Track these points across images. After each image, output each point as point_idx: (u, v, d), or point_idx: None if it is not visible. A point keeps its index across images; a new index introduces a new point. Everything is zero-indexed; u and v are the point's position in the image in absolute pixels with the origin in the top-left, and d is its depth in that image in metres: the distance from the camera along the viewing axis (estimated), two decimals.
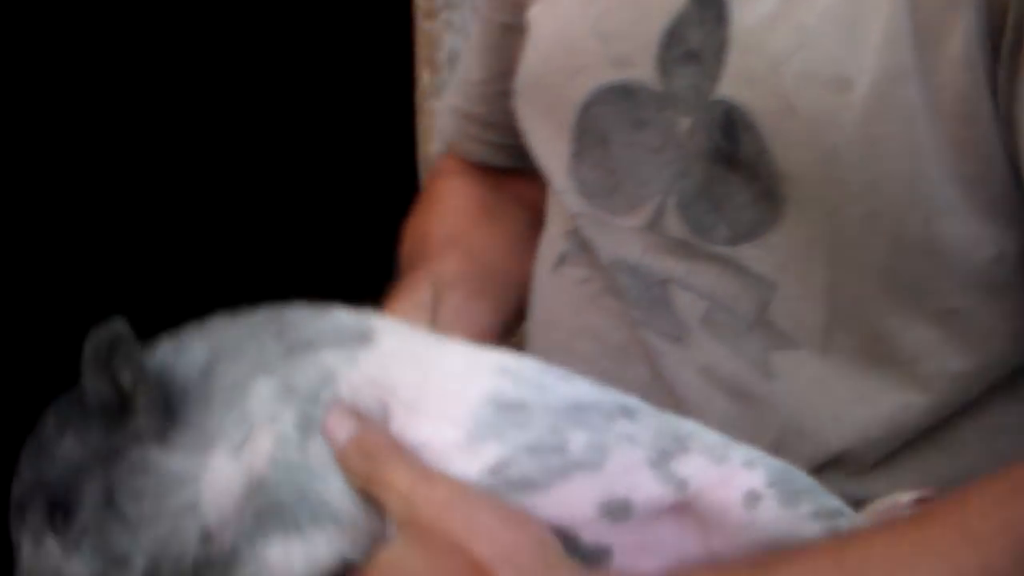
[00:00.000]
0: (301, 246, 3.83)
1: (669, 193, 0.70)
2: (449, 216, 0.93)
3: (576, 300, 0.76)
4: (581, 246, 0.76)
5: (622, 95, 0.72)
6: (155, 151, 4.17)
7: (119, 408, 0.60)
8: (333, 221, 3.68)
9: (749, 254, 0.67)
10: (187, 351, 0.62)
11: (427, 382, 0.62)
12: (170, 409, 0.61)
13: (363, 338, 0.63)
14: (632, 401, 0.62)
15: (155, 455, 0.60)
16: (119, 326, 0.58)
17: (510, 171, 0.93)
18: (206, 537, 0.59)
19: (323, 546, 0.57)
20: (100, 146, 3.75)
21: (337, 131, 3.65)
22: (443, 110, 1.01)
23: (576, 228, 0.76)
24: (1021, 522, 0.54)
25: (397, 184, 1.74)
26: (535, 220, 0.85)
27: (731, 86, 0.67)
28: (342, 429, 0.59)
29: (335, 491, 0.58)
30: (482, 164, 0.95)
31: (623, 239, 0.72)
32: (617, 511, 0.58)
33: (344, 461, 0.59)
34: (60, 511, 0.60)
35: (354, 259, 3.02)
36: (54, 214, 3.64)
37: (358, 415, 0.60)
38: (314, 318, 0.64)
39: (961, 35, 0.61)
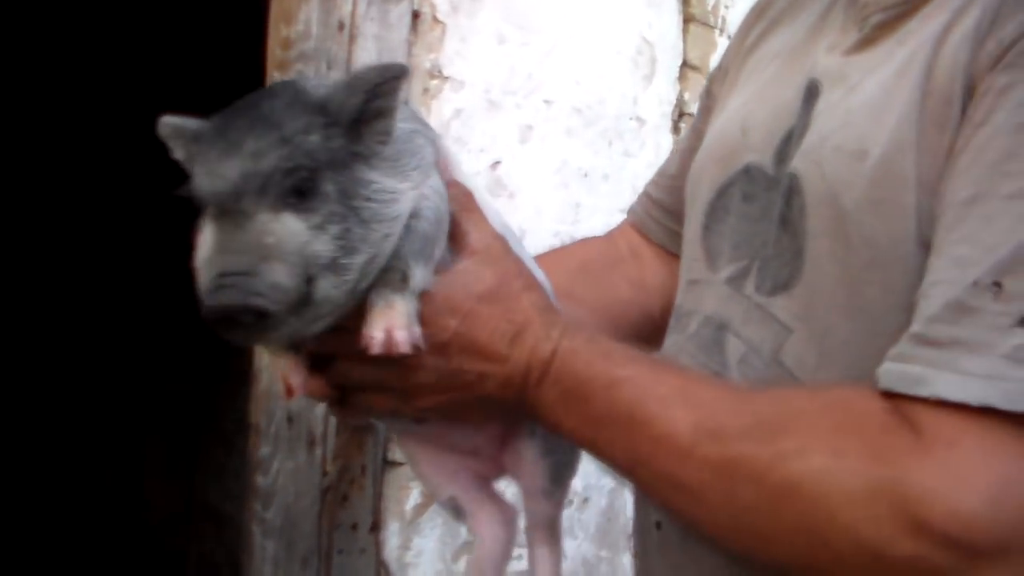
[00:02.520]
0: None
1: (755, 258, 0.86)
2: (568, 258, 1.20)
3: (674, 345, 0.97)
4: (684, 312, 0.96)
5: (744, 174, 0.89)
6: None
7: (353, 127, 0.75)
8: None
9: (779, 304, 0.83)
10: None
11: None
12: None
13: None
14: None
15: (372, 174, 0.76)
16: (406, 72, 0.76)
17: (666, 255, 1.15)
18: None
19: (429, 277, 0.80)
20: None
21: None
22: (639, 193, 1.25)
23: (683, 300, 0.97)
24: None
25: None
26: (637, 302, 1.14)
27: (797, 160, 0.83)
28: (457, 178, 0.85)
29: (444, 240, 0.82)
30: (655, 243, 1.17)
31: (709, 292, 0.90)
32: None
33: (454, 190, 0.84)
34: (299, 196, 0.71)
35: None
36: None
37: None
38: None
39: (951, 128, 0.74)
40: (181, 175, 0.77)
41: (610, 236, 1.24)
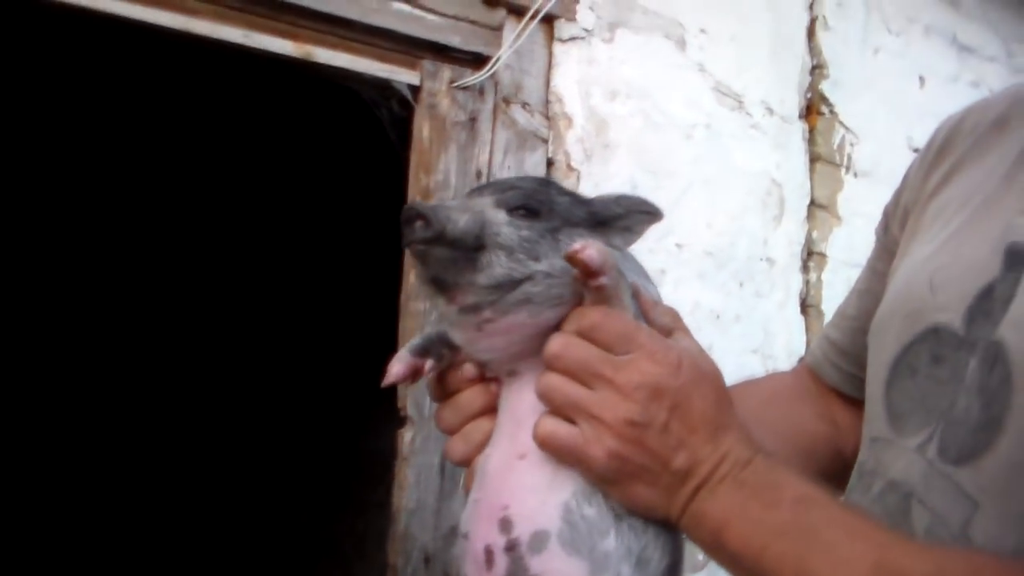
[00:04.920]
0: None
1: (940, 422, 0.84)
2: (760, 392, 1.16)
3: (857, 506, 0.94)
4: (866, 470, 0.92)
5: (932, 334, 0.87)
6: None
7: (600, 225, 0.87)
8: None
9: (964, 475, 0.79)
10: None
11: None
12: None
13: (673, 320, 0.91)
14: None
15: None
16: (661, 216, 0.88)
17: (847, 399, 1.11)
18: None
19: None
20: None
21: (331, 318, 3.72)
22: (818, 335, 1.22)
23: (866, 458, 0.93)
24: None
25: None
26: (828, 438, 1.09)
27: (1005, 329, 0.80)
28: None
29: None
30: (831, 386, 1.13)
31: (897, 457, 0.87)
32: None
33: (654, 311, 0.85)
34: (523, 212, 0.84)
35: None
36: None
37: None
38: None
39: None
40: None
41: (795, 373, 1.22)
